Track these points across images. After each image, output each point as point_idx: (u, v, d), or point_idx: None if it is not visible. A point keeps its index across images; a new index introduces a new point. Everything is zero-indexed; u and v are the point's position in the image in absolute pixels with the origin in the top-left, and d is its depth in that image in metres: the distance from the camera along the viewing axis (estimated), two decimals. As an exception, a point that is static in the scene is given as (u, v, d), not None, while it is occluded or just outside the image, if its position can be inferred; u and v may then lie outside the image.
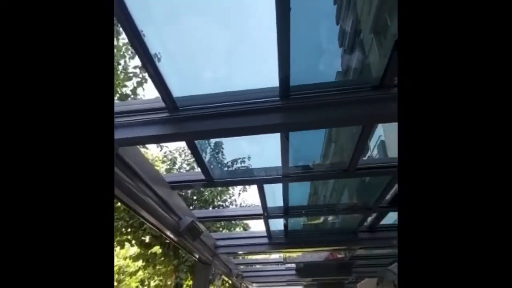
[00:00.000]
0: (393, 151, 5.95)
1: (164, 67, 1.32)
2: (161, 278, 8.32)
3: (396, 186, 2.35)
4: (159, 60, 1.36)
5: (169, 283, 7.97)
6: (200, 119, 1.42)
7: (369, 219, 3.16)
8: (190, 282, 7.80)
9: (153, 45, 1.24)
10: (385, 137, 6.34)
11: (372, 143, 6.55)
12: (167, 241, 6.00)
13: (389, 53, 1.26)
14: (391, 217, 3.49)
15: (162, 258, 7.08)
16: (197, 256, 3.26)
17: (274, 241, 3.47)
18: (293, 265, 5.04)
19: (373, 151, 6.70)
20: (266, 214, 2.75)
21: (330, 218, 3.71)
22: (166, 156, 8.52)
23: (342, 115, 1.37)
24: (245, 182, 2.26)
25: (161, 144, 6.91)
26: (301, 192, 2.98)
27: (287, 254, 4.63)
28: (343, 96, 1.37)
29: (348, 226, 3.54)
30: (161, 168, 8.17)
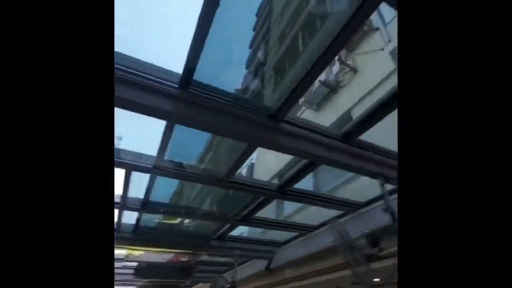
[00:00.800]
0: (259, 174, 6.76)
1: None
2: None
3: (256, 203, 2.67)
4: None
5: None
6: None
7: (223, 228, 3.40)
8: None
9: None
10: (256, 160, 7.15)
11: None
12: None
13: (287, 94, 1.46)
14: (239, 230, 3.89)
15: None
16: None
17: (120, 235, 3.12)
18: (133, 264, 4.64)
19: (242, 170, 7.39)
20: (123, 203, 2.48)
21: (187, 221, 3.73)
22: None
23: (233, 127, 1.47)
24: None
25: None
26: (166, 188, 2.89)
27: (131, 251, 4.24)
28: (239, 110, 1.49)
29: (202, 232, 3.66)
30: None
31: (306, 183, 2.59)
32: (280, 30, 9.11)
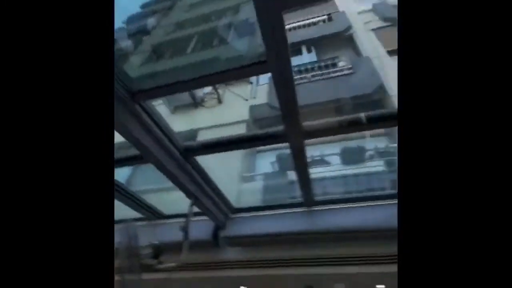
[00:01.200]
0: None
1: None
2: None
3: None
4: None
5: None
6: None
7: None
8: None
9: None
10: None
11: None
12: None
13: (157, 83, 1.39)
14: None
15: None
16: None
17: None
18: None
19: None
20: None
21: None
22: None
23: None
24: None
25: None
26: None
27: None
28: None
29: None
30: None
31: (120, 173, 2.37)
32: (181, 18, 8.70)
